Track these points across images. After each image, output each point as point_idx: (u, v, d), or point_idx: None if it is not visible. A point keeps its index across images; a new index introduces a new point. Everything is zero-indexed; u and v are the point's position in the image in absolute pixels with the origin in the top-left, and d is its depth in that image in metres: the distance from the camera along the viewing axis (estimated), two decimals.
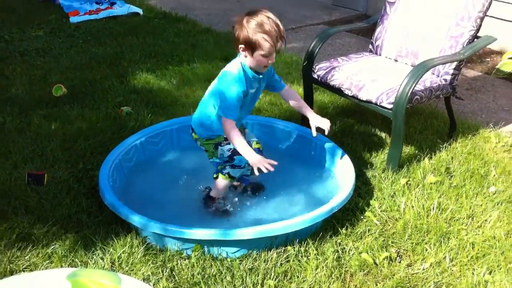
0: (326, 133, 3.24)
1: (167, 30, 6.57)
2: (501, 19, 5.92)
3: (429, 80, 3.86)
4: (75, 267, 2.85)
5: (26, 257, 2.91)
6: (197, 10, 7.63)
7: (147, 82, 5.08)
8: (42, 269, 2.82)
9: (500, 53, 6.12)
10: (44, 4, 7.57)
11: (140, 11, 7.28)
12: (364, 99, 3.75)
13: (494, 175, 3.70)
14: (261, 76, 3.11)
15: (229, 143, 3.17)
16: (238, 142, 3.01)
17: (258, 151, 3.28)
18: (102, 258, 2.91)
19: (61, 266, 2.87)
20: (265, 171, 2.95)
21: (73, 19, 6.89)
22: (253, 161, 2.98)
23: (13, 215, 3.21)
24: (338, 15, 7.62)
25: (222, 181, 3.29)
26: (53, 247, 2.98)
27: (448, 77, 3.97)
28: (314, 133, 3.28)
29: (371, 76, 3.88)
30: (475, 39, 3.98)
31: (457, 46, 3.93)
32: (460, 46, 3.92)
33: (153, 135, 3.82)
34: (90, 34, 6.39)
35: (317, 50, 4.09)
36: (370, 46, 4.42)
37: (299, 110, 3.43)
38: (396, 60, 4.23)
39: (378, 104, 3.68)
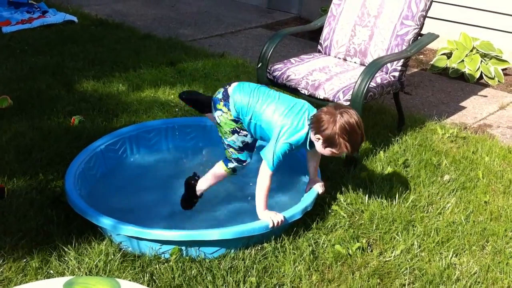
0: (320, 192, 3.31)
1: (106, 37, 6.46)
2: (432, 18, 6.22)
3: (379, 77, 4.03)
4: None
5: None
6: (132, 17, 7.56)
7: (95, 90, 5.00)
8: (17, 283, 2.75)
9: (432, 49, 6.43)
10: None
11: (75, 19, 7.12)
12: (321, 97, 3.86)
13: (446, 164, 3.90)
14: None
15: (245, 135, 3.20)
16: (263, 192, 3.07)
17: None
18: (78, 268, 2.87)
19: (37, 279, 2.81)
20: (274, 224, 2.99)
21: (6, 29, 6.65)
22: (262, 216, 3.05)
23: None
24: (274, 18, 7.77)
25: (221, 171, 3.31)
26: (25, 259, 2.92)
27: (397, 74, 4.15)
28: (307, 191, 3.32)
29: (325, 76, 4.00)
30: (419, 37, 4.19)
31: (403, 44, 4.12)
32: (406, 44, 4.12)
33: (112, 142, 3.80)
34: (26, 43, 6.20)
35: (270, 52, 4.18)
36: (319, 47, 4.55)
37: (308, 167, 3.41)
38: (345, 59, 4.38)
39: (336, 101, 3.80)
